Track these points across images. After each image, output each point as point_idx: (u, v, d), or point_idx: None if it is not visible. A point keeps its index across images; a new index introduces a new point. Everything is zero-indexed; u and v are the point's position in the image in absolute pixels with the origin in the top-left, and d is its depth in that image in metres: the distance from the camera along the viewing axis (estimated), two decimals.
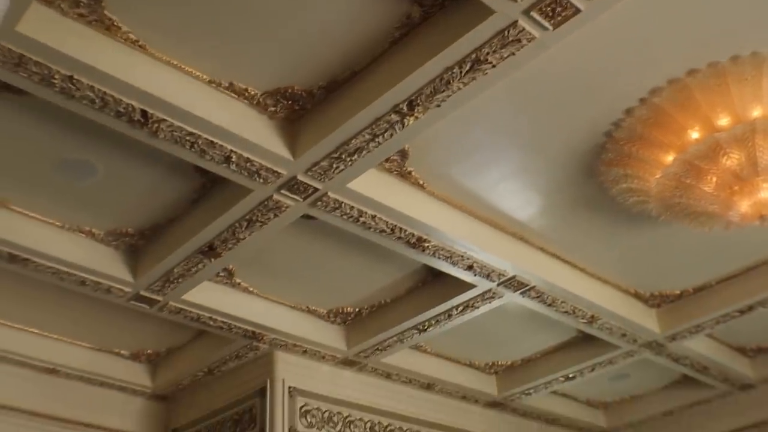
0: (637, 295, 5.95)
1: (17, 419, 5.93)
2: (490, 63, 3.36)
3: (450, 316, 5.56)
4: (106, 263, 4.91)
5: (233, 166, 3.90)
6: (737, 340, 6.79)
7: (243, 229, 4.43)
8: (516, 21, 3.17)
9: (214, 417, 6.22)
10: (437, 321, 5.62)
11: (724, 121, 3.97)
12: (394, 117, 3.65)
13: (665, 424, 7.90)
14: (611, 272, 5.61)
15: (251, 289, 5.44)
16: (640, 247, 5.26)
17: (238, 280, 5.34)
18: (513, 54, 3.33)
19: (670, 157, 4.13)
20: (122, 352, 6.29)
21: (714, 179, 4.11)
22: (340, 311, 5.80)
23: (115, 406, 6.46)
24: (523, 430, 7.59)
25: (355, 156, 3.90)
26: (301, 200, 4.23)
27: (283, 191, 4.14)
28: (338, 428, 6.02)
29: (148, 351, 6.31)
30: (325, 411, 6.00)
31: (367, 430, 6.23)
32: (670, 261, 5.50)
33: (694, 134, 4.03)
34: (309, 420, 5.87)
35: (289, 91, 3.76)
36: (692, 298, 5.98)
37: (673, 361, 6.66)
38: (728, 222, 4.38)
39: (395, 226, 4.49)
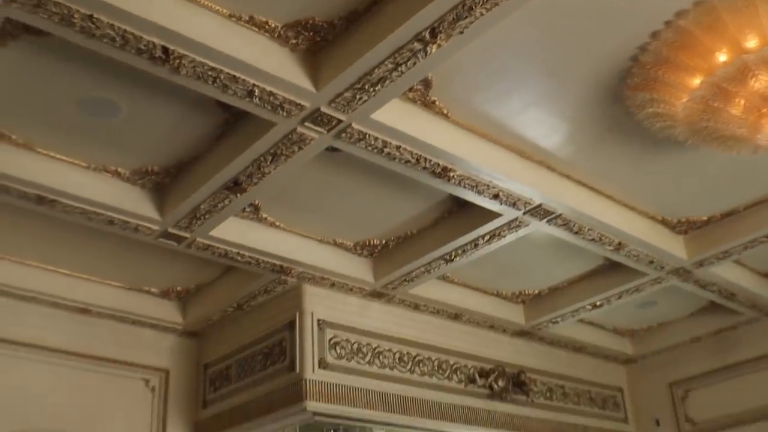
0: (664, 222, 5.92)
1: (51, 358, 6.05)
2: None
3: (476, 245, 5.57)
4: (132, 202, 4.94)
5: (256, 100, 3.89)
6: (765, 266, 6.75)
7: (268, 163, 4.43)
8: None
9: (244, 351, 6.32)
10: (464, 251, 5.63)
11: (752, 42, 3.89)
12: (417, 45, 3.60)
13: (692, 351, 7.93)
14: (638, 199, 5.57)
15: (278, 223, 5.47)
16: (666, 173, 5.21)
17: (264, 215, 5.36)
18: None
19: (697, 81, 4.07)
20: (152, 290, 6.38)
21: (742, 102, 4.05)
22: (367, 243, 5.82)
23: (147, 343, 6.57)
24: (550, 358, 7.65)
25: (378, 86, 3.87)
26: (325, 132, 4.21)
27: (306, 124, 4.13)
28: (367, 359, 6.10)
29: (178, 288, 6.39)
30: (354, 342, 6.07)
31: (396, 360, 6.29)
32: (698, 187, 5.46)
33: (722, 57, 3.97)
34: (338, 351, 5.94)
35: (310, 22, 3.72)
36: (720, 224, 5.94)
37: (701, 287, 6.65)
38: (756, 146, 4.32)
39: (420, 156, 4.47)
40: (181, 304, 6.60)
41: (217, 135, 4.49)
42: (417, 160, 4.50)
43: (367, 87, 3.88)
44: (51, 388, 5.98)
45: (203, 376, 6.71)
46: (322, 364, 5.80)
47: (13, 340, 5.88)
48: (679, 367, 8.04)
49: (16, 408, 5.76)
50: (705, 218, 5.90)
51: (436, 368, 6.54)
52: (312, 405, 5.67)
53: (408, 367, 6.34)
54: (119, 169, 4.79)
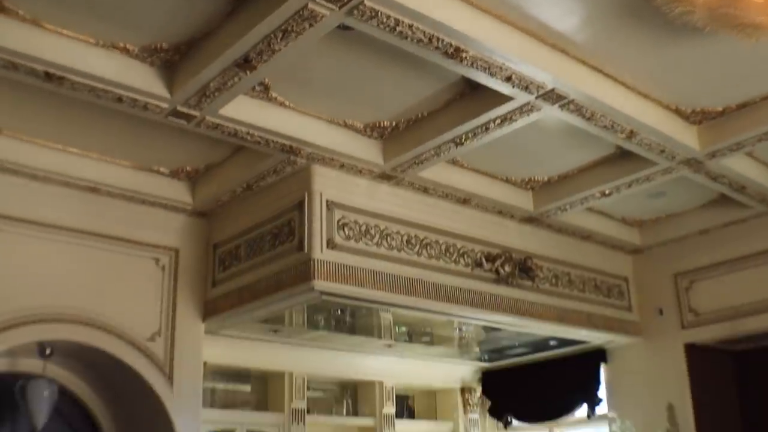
0: (678, 111, 5.84)
1: (61, 236, 6.13)
2: None
3: (487, 129, 5.51)
4: (141, 79, 4.90)
5: None
6: None
7: (278, 40, 4.36)
8: None
9: (253, 231, 6.40)
10: (474, 134, 5.58)
11: None
12: None
13: (699, 243, 7.94)
14: (653, 87, 5.49)
15: (287, 103, 5.42)
16: (683, 60, 5.12)
17: (274, 95, 5.31)
18: None
19: None
20: (162, 169, 6.39)
21: None
22: (377, 125, 5.78)
23: (157, 223, 6.64)
24: (557, 246, 7.70)
25: None
26: (337, 9, 4.13)
27: None
28: (375, 240, 6.15)
29: (188, 168, 6.41)
30: (363, 224, 6.11)
31: (404, 242, 6.34)
32: (714, 76, 5.36)
33: None
34: (346, 233, 5.98)
35: None
36: (734, 115, 5.86)
37: (711, 179, 6.62)
38: None
39: (432, 35, 4.38)
40: (190, 184, 6.63)
41: (227, 11, 4.42)
42: (429, 39, 4.41)
43: None
44: (61, 267, 6.08)
45: (213, 256, 6.81)
46: (331, 245, 5.86)
47: (23, 218, 5.95)
48: (685, 259, 8.07)
49: (26, 286, 5.86)
50: (720, 109, 5.82)
51: (443, 251, 6.61)
52: (320, 284, 5.76)
53: (415, 249, 6.40)
54: (128, 46, 4.74)
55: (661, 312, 8.20)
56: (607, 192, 6.77)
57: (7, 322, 5.73)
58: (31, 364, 6.26)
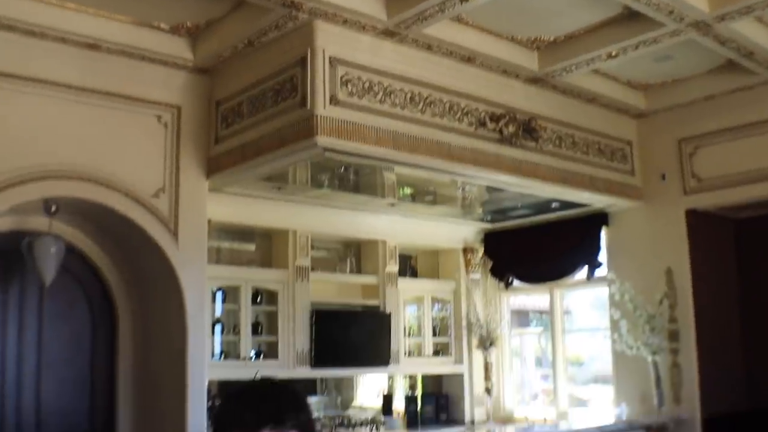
0: None
1: (63, 94, 6.11)
2: None
3: None
4: None
5: None
6: None
7: None
8: None
9: (255, 87, 6.35)
10: None
11: None
12: None
13: (705, 108, 7.89)
14: None
15: None
16: None
17: None
18: None
19: None
20: (162, 25, 6.30)
21: None
22: None
23: (159, 80, 6.60)
24: (562, 107, 7.64)
25: None
26: None
27: None
28: (378, 98, 6.11)
29: (188, 24, 6.31)
30: (366, 80, 6.06)
31: (407, 100, 6.31)
32: None
33: None
34: (350, 89, 5.94)
35: None
36: None
37: (719, 43, 6.53)
38: None
39: None
40: (191, 41, 6.53)
41: None
42: None
43: None
44: (63, 124, 6.09)
45: (215, 113, 6.79)
46: (333, 101, 5.83)
47: (23, 75, 5.92)
48: (690, 124, 8.03)
49: (28, 143, 5.89)
50: None
51: (446, 110, 6.57)
52: (322, 140, 5.77)
53: (419, 107, 6.37)
54: None
55: (663, 177, 8.21)
56: (613, 53, 6.67)
57: (10, 180, 5.77)
58: (37, 222, 6.34)
